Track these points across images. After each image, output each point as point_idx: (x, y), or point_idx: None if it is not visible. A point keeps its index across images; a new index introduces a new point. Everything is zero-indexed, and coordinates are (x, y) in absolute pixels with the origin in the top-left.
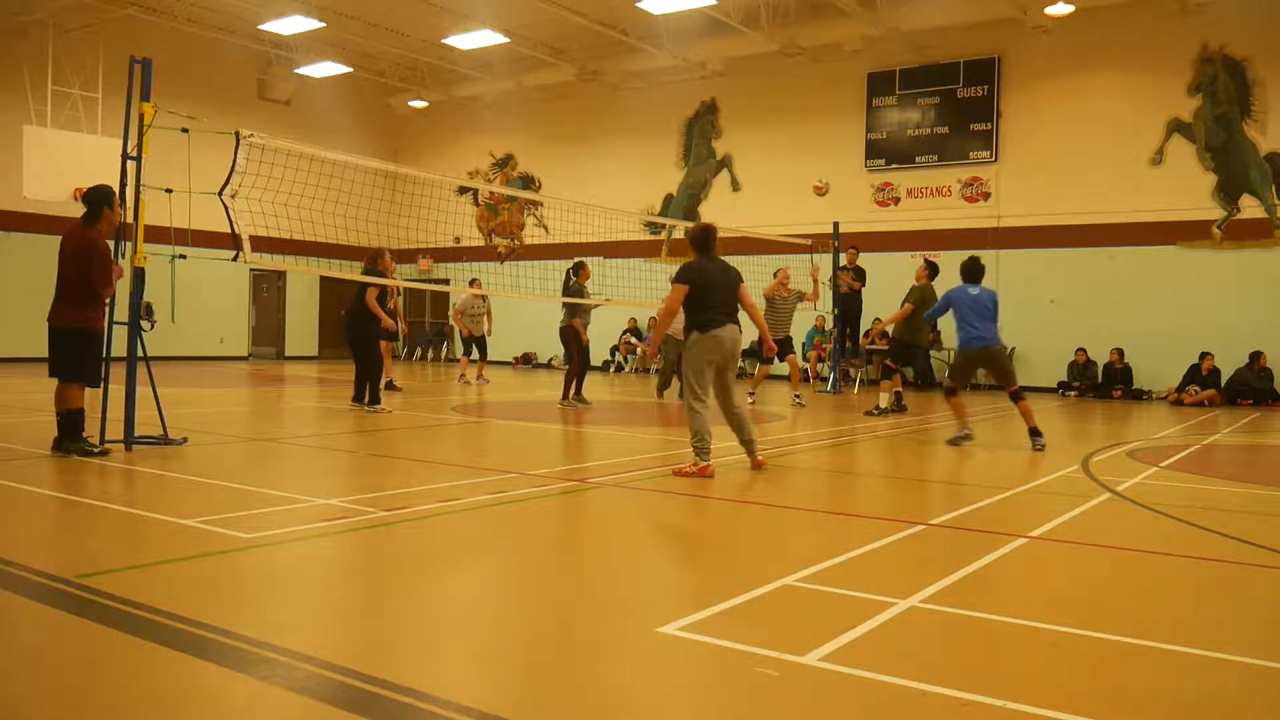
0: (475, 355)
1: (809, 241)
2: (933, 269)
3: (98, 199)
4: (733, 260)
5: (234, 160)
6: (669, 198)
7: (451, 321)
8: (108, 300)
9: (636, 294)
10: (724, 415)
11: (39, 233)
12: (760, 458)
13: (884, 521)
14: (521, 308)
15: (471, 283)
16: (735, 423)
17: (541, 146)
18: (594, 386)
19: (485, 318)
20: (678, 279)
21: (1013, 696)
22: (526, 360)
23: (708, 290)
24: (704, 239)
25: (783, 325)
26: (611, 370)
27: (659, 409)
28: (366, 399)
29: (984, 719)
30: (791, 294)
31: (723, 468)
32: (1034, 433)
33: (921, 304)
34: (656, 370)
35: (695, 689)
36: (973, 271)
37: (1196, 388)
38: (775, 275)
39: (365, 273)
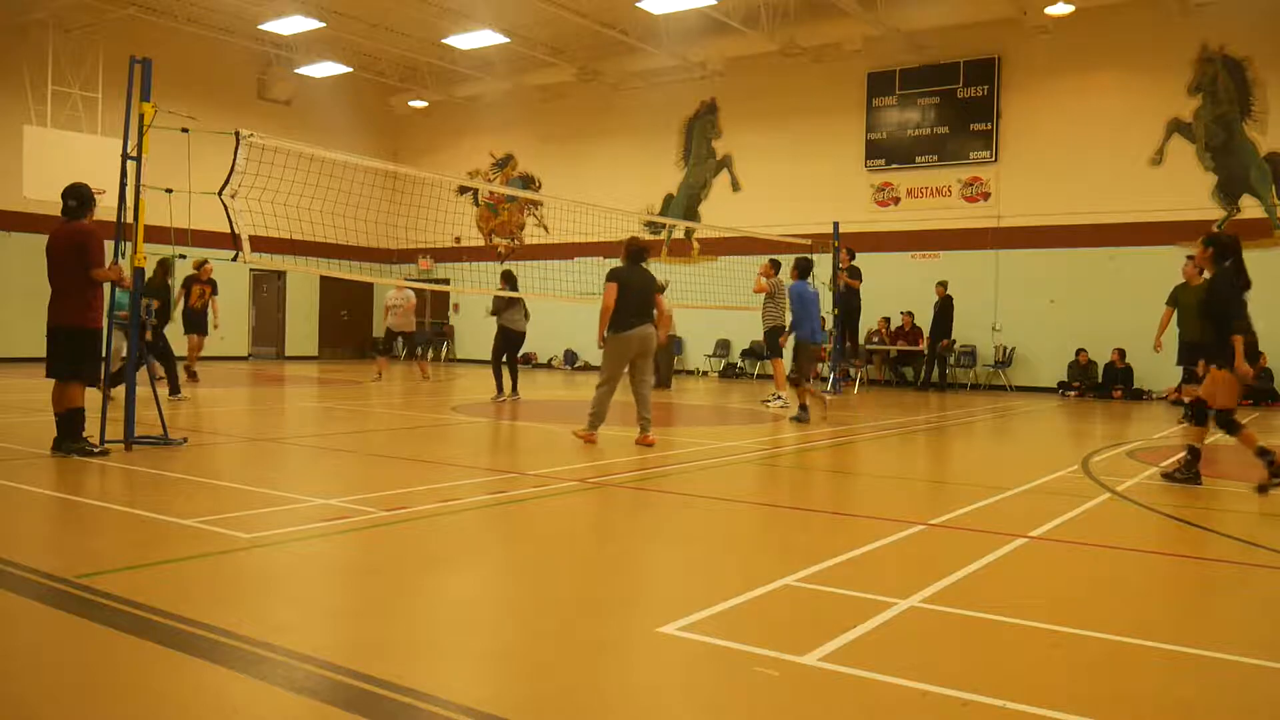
0: (408, 352)
1: (809, 241)
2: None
3: (84, 195)
4: (732, 260)
5: (234, 160)
6: (669, 198)
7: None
8: (109, 285)
9: None
10: (633, 392)
11: (39, 233)
12: (651, 438)
13: (884, 521)
14: None
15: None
16: (639, 400)
17: (541, 146)
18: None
19: (410, 313)
20: (608, 278)
21: (1013, 696)
22: (526, 360)
23: (626, 292)
24: (638, 251)
25: (777, 316)
26: None
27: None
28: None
29: (984, 719)
30: (773, 282)
31: (722, 467)
32: (803, 408)
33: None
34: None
35: (695, 689)
36: (808, 269)
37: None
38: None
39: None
